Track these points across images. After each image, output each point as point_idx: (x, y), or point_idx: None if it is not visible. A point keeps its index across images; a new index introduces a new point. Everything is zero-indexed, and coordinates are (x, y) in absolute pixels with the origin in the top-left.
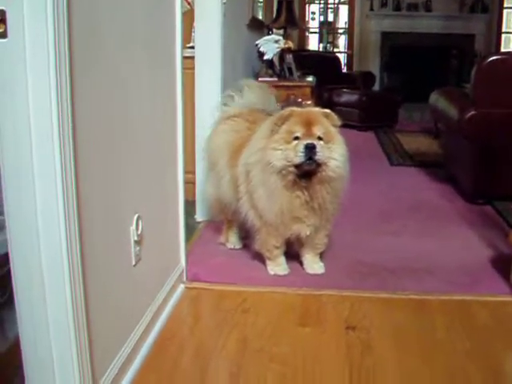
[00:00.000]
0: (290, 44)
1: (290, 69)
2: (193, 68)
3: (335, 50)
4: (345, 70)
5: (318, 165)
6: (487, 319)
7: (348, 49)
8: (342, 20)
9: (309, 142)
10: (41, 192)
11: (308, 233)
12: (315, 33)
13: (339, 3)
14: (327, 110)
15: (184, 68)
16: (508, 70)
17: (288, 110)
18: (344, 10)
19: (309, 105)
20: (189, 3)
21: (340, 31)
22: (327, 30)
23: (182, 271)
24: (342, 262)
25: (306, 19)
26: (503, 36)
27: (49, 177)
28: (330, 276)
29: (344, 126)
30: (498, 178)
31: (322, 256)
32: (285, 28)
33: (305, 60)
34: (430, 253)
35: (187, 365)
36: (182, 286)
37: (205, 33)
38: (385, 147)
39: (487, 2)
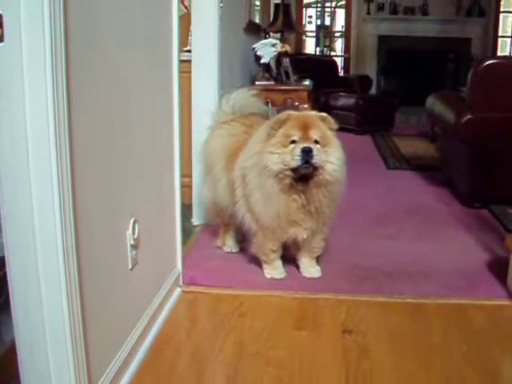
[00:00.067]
0: (287, 48)
1: (286, 72)
2: (189, 71)
3: (332, 53)
4: (342, 73)
5: (315, 168)
6: (484, 323)
7: (345, 52)
8: (339, 24)
9: (305, 145)
10: (37, 196)
11: (305, 236)
12: (312, 36)
13: (336, 7)
14: (324, 114)
15: (181, 71)
16: (504, 74)
17: (285, 113)
18: (341, 14)
19: (305, 108)
20: (186, 7)
21: (337, 35)
22: (324, 33)
23: (179, 275)
24: (338, 265)
25: (303, 23)
26: (500, 40)
27: (45, 180)
28: (327, 280)
29: (341, 129)
30: (494, 181)
31: (318, 260)
32: (282, 32)
33: (302, 64)
34: (426, 256)
35: (184, 368)
36: (178, 290)
37: (202, 36)
38: (381, 151)
39: (484, 6)
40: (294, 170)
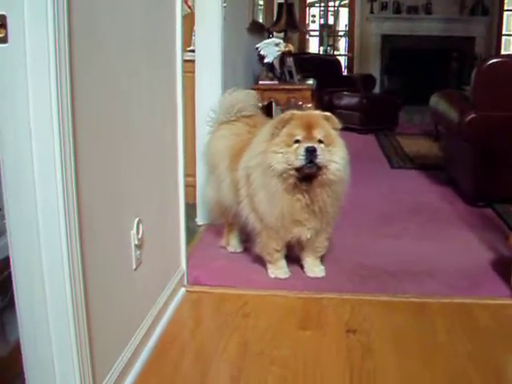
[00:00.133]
0: (291, 47)
1: (290, 72)
2: (193, 71)
3: (335, 52)
4: (345, 72)
5: (319, 168)
6: (488, 322)
7: (348, 51)
8: (343, 23)
9: (309, 145)
10: (41, 196)
11: (309, 236)
12: (315, 36)
13: (339, 6)
14: (328, 113)
15: (184, 71)
16: (508, 73)
17: (288, 113)
18: (344, 13)
19: (309, 108)
20: (189, 7)
21: (340, 34)
22: (327, 32)
23: (183, 275)
24: (342, 265)
25: (307, 22)
26: (503, 38)
27: (49, 181)
28: (331, 279)
29: (344, 128)
30: (498, 180)
31: (322, 259)
32: (285, 31)
33: (305, 63)
34: (430, 256)
35: (188, 368)
36: (182, 290)
37: (205, 36)
38: (385, 150)
39: (487, 5)
40: (297, 169)
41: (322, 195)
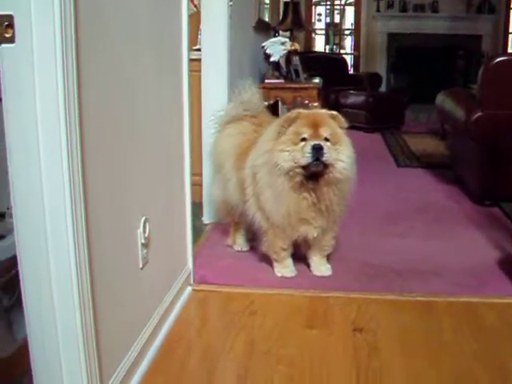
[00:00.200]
0: (297, 46)
1: (296, 71)
2: (199, 70)
3: (342, 51)
4: (351, 71)
5: (325, 166)
6: (494, 321)
7: (354, 50)
8: (349, 21)
9: (316, 142)
10: (49, 195)
11: (315, 235)
12: (321, 34)
13: (345, 4)
14: (334, 112)
15: (190, 70)
16: None
17: (295, 111)
18: (350, 12)
19: (315, 106)
20: (195, 5)
21: (346, 32)
22: (333, 31)
23: (190, 273)
24: (348, 263)
25: (313, 21)
26: (510, 36)
27: (57, 180)
28: (337, 278)
29: (351, 127)
30: (505, 179)
31: (329, 258)
32: (291, 30)
33: (311, 62)
34: (436, 254)
35: (194, 367)
36: (189, 289)
37: (211, 35)
38: (391, 148)
39: (494, 3)
40: (304, 167)
41: (329, 194)
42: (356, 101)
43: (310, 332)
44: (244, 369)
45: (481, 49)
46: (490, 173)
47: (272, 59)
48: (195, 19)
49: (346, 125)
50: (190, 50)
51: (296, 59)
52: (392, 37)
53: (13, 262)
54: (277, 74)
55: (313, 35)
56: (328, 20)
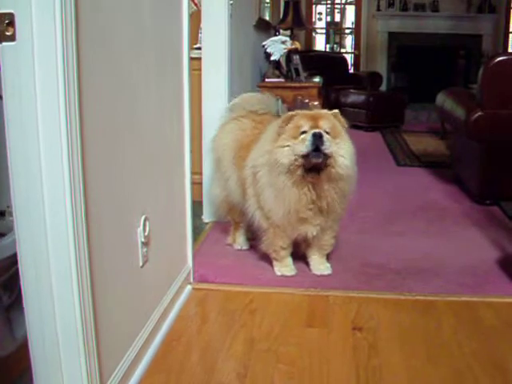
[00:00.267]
0: (297, 45)
1: (296, 69)
2: (200, 69)
3: (342, 50)
4: (352, 70)
5: (326, 157)
6: (494, 320)
7: (355, 49)
8: (349, 20)
9: (316, 131)
10: (49, 193)
11: (314, 233)
12: (322, 33)
13: (346, 3)
14: (335, 110)
15: (191, 69)
16: None
17: (293, 112)
18: (351, 11)
19: (316, 105)
20: (196, 4)
21: (347, 31)
22: (334, 30)
23: (189, 272)
24: (348, 263)
25: (313, 20)
26: (510, 36)
27: (57, 178)
28: (337, 277)
29: (351, 126)
30: (505, 178)
31: (328, 257)
32: (291, 29)
33: (312, 61)
34: (436, 254)
35: (194, 365)
36: (189, 287)
37: (212, 34)
38: (391, 148)
39: (494, 3)
40: (304, 158)
41: (330, 192)
42: (356, 100)
43: (309, 330)
44: (244, 367)
45: (481, 48)
46: (490, 172)
47: (272, 58)
48: (196, 18)
49: (345, 124)
50: (191, 48)
51: (296, 58)
52: (392, 36)
53: (13, 260)
54: (277, 72)
55: (313, 34)
56: (328, 19)
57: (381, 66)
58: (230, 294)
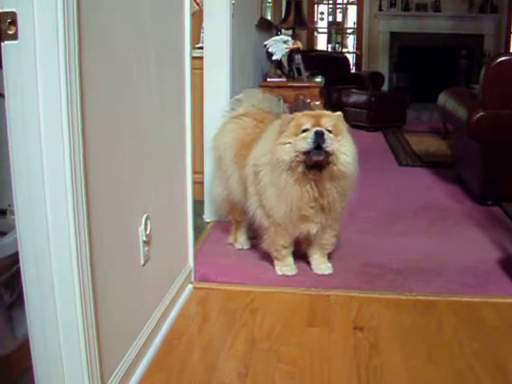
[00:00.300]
0: (299, 44)
1: (298, 69)
2: (201, 68)
3: (344, 50)
4: (353, 70)
5: (327, 155)
6: (495, 321)
7: (357, 49)
8: (351, 20)
9: (318, 129)
10: (50, 192)
11: (315, 230)
12: (324, 33)
13: (348, 3)
14: (339, 113)
15: (193, 68)
16: None
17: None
18: (353, 10)
19: (317, 105)
20: (198, 4)
21: (349, 31)
22: (336, 30)
23: (191, 271)
24: (349, 262)
25: (315, 19)
26: None
27: (58, 177)
28: (338, 276)
29: (352, 126)
30: (506, 179)
31: (329, 257)
32: (293, 28)
33: (313, 60)
34: (438, 254)
35: (195, 364)
36: (190, 286)
37: (214, 33)
38: (393, 147)
39: (496, 2)
40: (306, 155)
41: (332, 190)
42: (358, 100)
43: (310, 330)
44: (245, 366)
45: (483, 48)
46: (492, 172)
47: (274, 58)
48: (198, 17)
49: (346, 126)
50: (193, 48)
51: (298, 58)
52: (394, 36)
53: (14, 258)
54: (279, 72)
55: (315, 34)
56: (330, 19)
57: (383, 66)
58: (231, 293)
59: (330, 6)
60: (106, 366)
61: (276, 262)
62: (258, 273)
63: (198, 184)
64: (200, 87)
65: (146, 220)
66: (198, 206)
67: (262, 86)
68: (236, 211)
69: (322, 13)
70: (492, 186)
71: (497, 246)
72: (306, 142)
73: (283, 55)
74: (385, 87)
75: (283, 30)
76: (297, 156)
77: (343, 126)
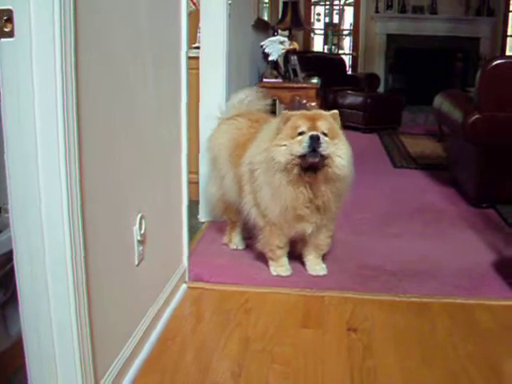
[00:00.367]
0: (295, 45)
1: (294, 70)
2: (198, 68)
3: (340, 51)
4: (350, 71)
5: (323, 158)
6: (489, 323)
7: (353, 51)
8: (347, 22)
9: (313, 133)
10: (45, 191)
11: (310, 230)
12: (320, 34)
13: (344, 5)
14: (335, 111)
15: (189, 68)
16: None
17: (292, 112)
18: (349, 12)
19: (313, 106)
20: (194, 3)
21: (345, 33)
22: (332, 31)
23: (185, 271)
24: (344, 264)
25: (312, 20)
26: (508, 39)
27: (53, 176)
28: (333, 278)
29: (348, 127)
30: (501, 181)
31: (324, 258)
32: (290, 29)
33: (310, 61)
34: (432, 256)
35: (189, 364)
36: (184, 286)
37: (210, 33)
38: (388, 149)
39: (493, 6)
40: (301, 158)
41: (326, 192)
42: (354, 101)
43: (304, 331)
44: (238, 367)
45: (479, 51)
46: (487, 175)
47: (270, 58)
48: (194, 17)
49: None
50: (189, 47)
51: (294, 59)
52: (391, 38)
53: (8, 257)
54: (275, 73)
55: (311, 35)
56: (327, 20)
57: (379, 68)
58: (226, 293)
59: (327, 7)
60: (100, 364)
61: (271, 262)
62: (253, 273)
63: (194, 184)
64: (196, 87)
65: (141, 219)
66: (193, 206)
67: (260, 86)
68: (231, 211)
69: (319, 14)
70: (487, 188)
71: (491, 249)
72: (301, 147)
73: (279, 56)
74: (381, 89)
75: (280, 31)
76: (292, 159)
77: (339, 129)
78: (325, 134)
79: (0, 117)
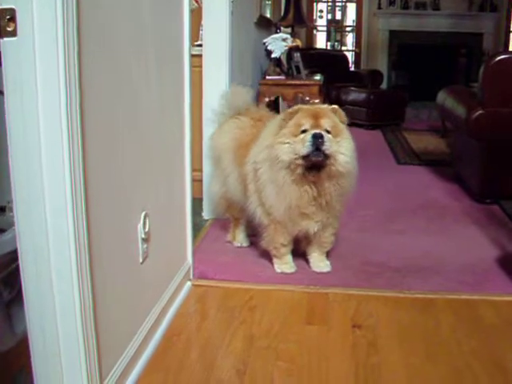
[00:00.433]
0: (298, 42)
1: (297, 67)
2: (200, 66)
3: (343, 48)
4: (352, 68)
5: (326, 157)
6: (493, 319)
7: (356, 47)
8: (350, 18)
9: (316, 131)
10: (49, 189)
11: (315, 229)
12: (323, 31)
13: (347, 1)
14: (335, 106)
15: (192, 66)
16: None
17: (295, 107)
18: (352, 8)
19: (316, 103)
20: (197, 1)
21: (348, 29)
22: (335, 28)
23: (189, 269)
24: (348, 260)
25: (314, 17)
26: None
27: (57, 174)
28: (337, 274)
29: (351, 124)
30: (505, 177)
31: (328, 255)
32: (292, 26)
33: (312, 58)
34: (436, 252)
35: (194, 362)
36: (188, 284)
37: (213, 31)
38: (392, 146)
39: (496, 1)
40: (304, 158)
41: (330, 189)
42: (357, 98)
43: (309, 328)
44: (243, 364)
45: (482, 47)
46: (491, 171)
47: (273, 55)
48: (197, 15)
49: (346, 120)
50: (192, 45)
51: (297, 56)
52: (393, 34)
53: (13, 255)
54: (278, 70)
55: (314, 32)
56: (329, 17)
57: (381, 64)
58: (230, 290)
59: (330, 3)
60: (105, 363)
61: (275, 259)
62: (257, 270)
63: (197, 182)
64: (199, 85)
65: (145, 217)
66: (197, 203)
67: (261, 84)
68: (234, 209)
69: (322, 11)
70: (491, 184)
71: (495, 244)
72: (304, 146)
73: (282, 53)
74: (384, 85)
75: (282, 28)
76: (296, 159)
77: (342, 125)
78: (328, 132)
79: (4, 116)
